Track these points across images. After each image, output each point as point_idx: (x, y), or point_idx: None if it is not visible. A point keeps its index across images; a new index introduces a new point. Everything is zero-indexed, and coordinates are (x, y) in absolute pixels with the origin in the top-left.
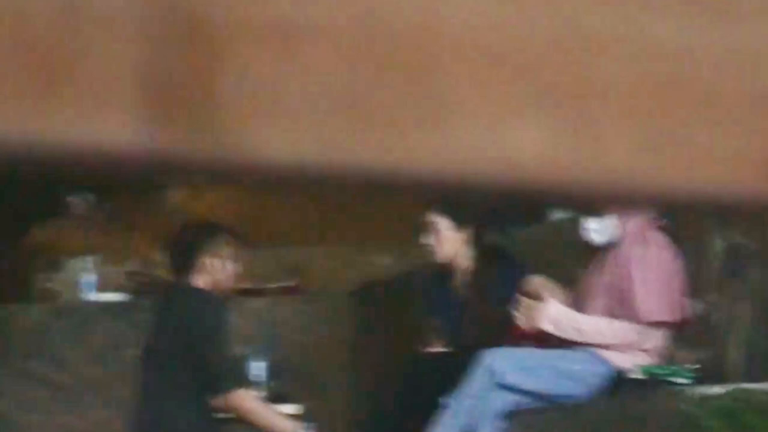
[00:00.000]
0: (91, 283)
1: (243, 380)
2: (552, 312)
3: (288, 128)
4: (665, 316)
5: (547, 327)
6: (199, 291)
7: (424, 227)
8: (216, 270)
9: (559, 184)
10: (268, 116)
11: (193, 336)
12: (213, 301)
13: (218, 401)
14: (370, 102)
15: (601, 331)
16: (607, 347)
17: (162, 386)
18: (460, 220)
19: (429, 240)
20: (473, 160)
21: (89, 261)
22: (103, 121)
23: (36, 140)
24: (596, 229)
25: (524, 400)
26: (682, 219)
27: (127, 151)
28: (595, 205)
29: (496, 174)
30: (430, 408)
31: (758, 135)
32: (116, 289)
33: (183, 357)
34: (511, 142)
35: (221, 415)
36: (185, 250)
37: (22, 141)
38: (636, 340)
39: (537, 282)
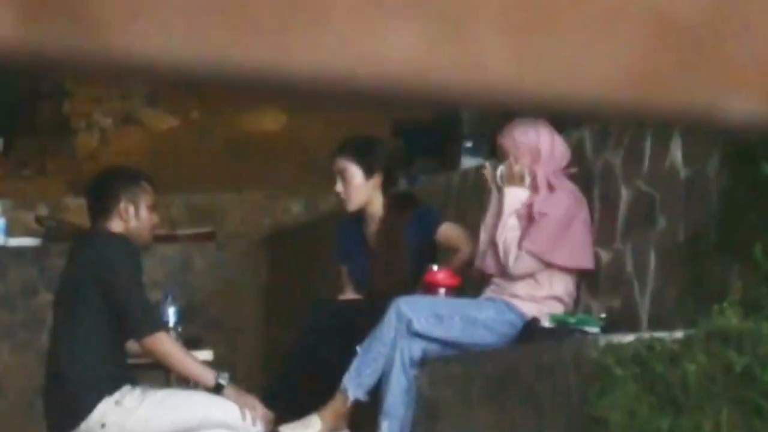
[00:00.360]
0: (1, 227)
1: (162, 324)
2: (515, 196)
3: (164, 25)
4: (554, 256)
5: (508, 202)
6: (113, 235)
7: (334, 174)
8: (131, 216)
9: (433, 88)
10: (143, 12)
11: (108, 280)
12: (127, 246)
13: (135, 345)
14: (247, 0)
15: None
16: (517, 294)
17: (74, 331)
18: (369, 167)
19: (339, 187)
20: (348, 60)
21: None
22: None
23: None
24: (502, 176)
25: (435, 348)
26: (589, 168)
27: (1, 46)
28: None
29: (370, 75)
30: (342, 355)
31: (629, 43)
32: (27, 234)
33: (97, 301)
34: (387, 44)
35: (134, 361)
36: (102, 194)
37: None
38: (520, 274)
39: (448, 229)
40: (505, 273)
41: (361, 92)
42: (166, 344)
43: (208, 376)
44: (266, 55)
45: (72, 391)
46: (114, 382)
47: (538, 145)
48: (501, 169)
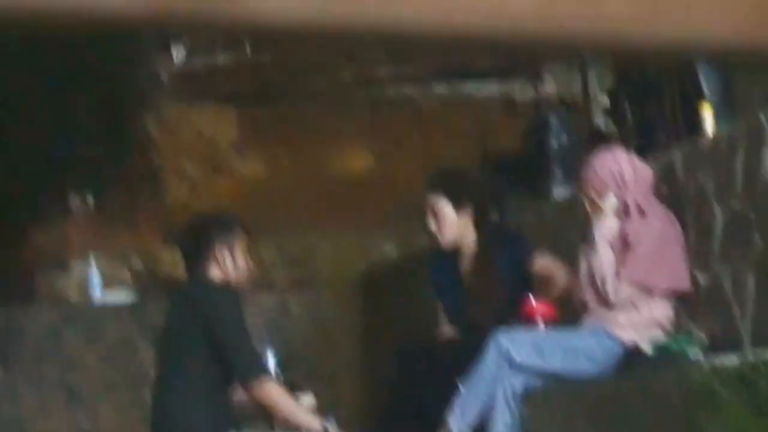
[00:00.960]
0: (96, 282)
1: (267, 370)
2: (609, 225)
3: None
4: (653, 280)
5: (598, 235)
6: (213, 283)
7: (425, 211)
8: (228, 262)
9: (555, 36)
10: None
11: (213, 328)
12: (228, 293)
13: (240, 393)
14: None
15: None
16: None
17: (180, 383)
18: (459, 200)
19: (432, 225)
20: (472, 13)
21: (93, 260)
22: None
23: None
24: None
25: (537, 380)
26: (682, 191)
27: (126, 11)
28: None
29: (494, 27)
30: (443, 393)
31: None
32: (122, 286)
33: (202, 351)
34: None
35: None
36: (197, 241)
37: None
38: (622, 303)
39: (543, 260)
40: (604, 302)
41: (485, 42)
42: (273, 390)
43: (315, 423)
44: (394, 10)
45: None
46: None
47: (621, 171)
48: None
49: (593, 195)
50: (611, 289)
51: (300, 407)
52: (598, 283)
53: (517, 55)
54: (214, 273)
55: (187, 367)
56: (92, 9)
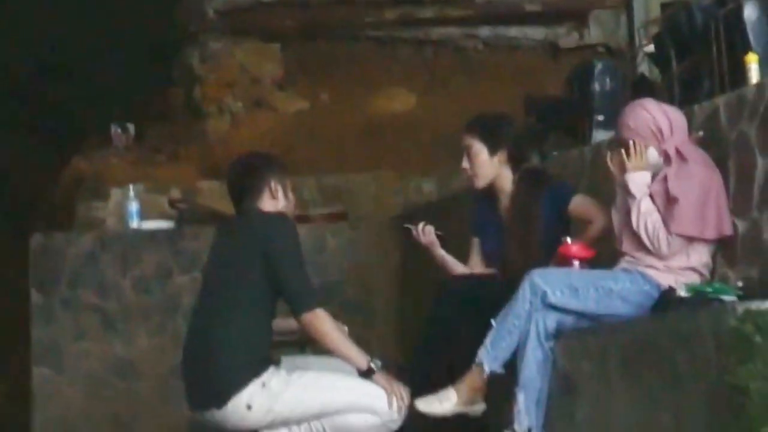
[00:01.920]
0: (135, 212)
1: (321, 301)
2: (641, 180)
3: None
4: (702, 231)
5: (635, 189)
6: (272, 214)
7: (461, 150)
8: (280, 196)
9: None
10: None
11: (272, 256)
12: (287, 223)
13: (281, 323)
14: None
15: (650, 222)
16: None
17: (230, 311)
18: (494, 143)
19: (465, 164)
20: None
21: (132, 190)
22: None
23: None
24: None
25: (570, 320)
26: (725, 139)
27: None
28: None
29: None
30: (476, 330)
31: None
32: (160, 218)
33: (257, 281)
34: None
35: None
36: (252, 176)
37: None
38: (673, 254)
39: (581, 202)
40: (641, 246)
41: None
42: (326, 322)
43: (362, 360)
44: None
45: (222, 371)
46: (262, 363)
47: (656, 122)
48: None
49: (628, 148)
50: (665, 246)
51: (349, 342)
52: (646, 240)
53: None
54: (269, 205)
55: (241, 298)
56: None
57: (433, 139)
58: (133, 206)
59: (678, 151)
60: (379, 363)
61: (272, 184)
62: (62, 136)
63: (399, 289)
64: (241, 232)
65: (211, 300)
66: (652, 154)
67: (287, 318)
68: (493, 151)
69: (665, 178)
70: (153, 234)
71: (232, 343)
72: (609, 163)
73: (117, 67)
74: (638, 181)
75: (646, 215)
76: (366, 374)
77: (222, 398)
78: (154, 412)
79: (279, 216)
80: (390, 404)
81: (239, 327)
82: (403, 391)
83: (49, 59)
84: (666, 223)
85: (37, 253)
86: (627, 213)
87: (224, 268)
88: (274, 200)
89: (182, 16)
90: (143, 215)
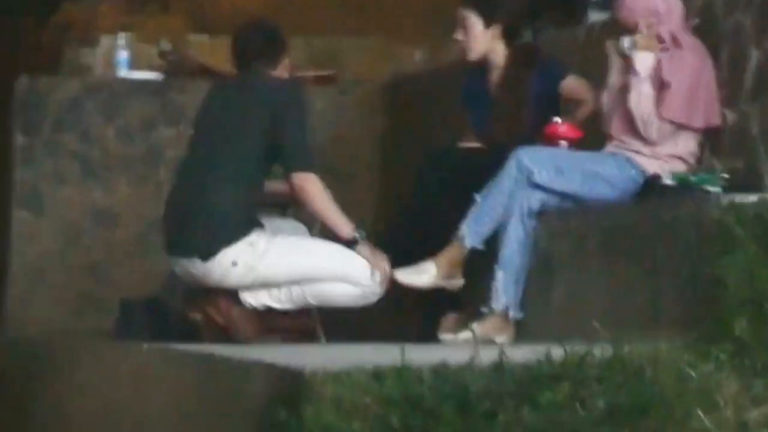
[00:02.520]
0: (124, 60)
1: (316, 168)
2: (646, 61)
3: None
4: (690, 119)
5: (641, 69)
6: (288, 80)
7: (455, 22)
8: (286, 67)
9: None
10: None
11: (280, 117)
12: (302, 92)
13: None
14: None
15: (647, 105)
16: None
17: (227, 165)
18: (489, 16)
19: (460, 35)
20: None
21: (123, 38)
22: None
23: None
24: (630, 48)
25: (554, 200)
26: (719, 27)
27: None
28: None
29: None
30: (460, 204)
31: None
32: (149, 67)
33: (260, 139)
34: None
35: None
36: (276, 44)
37: None
38: (661, 140)
39: (573, 82)
40: (630, 131)
41: None
42: (316, 185)
43: (347, 228)
44: None
45: (214, 225)
46: (251, 223)
47: (654, 4)
48: (629, 39)
49: (642, 29)
50: (654, 131)
51: (337, 210)
52: (638, 122)
53: None
54: (280, 74)
55: (241, 153)
56: None
57: (426, 6)
58: (123, 55)
59: (673, 36)
60: (363, 233)
61: (287, 59)
62: None
63: (384, 157)
64: (251, 92)
65: (206, 153)
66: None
67: (276, 181)
68: (488, 24)
69: (659, 63)
70: (140, 84)
71: (227, 198)
72: (607, 44)
73: None
74: (644, 61)
75: (645, 97)
76: (349, 244)
77: (210, 251)
78: (130, 262)
79: (295, 83)
80: (371, 275)
81: (235, 183)
82: (385, 264)
83: None
84: (655, 107)
85: (22, 96)
86: (618, 96)
87: (224, 124)
88: (285, 70)
89: None
90: (132, 65)
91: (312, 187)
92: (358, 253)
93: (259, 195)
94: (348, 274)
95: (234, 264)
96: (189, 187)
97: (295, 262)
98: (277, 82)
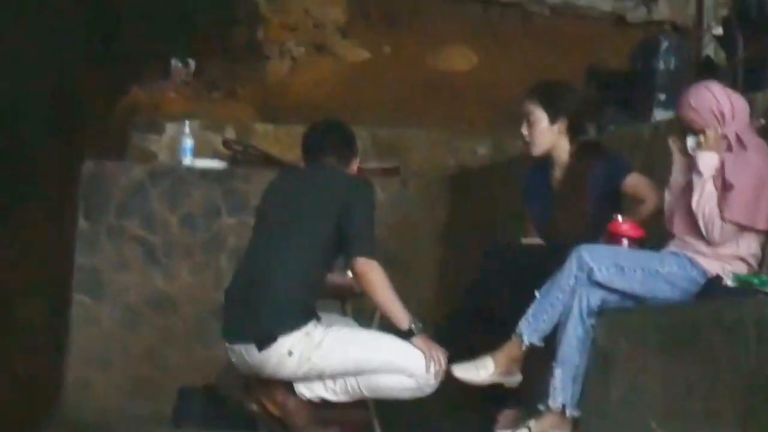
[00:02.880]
0: (188, 148)
1: (378, 256)
2: (710, 161)
3: None
4: (754, 221)
5: (704, 168)
6: (359, 176)
7: (520, 117)
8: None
9: None
10: None
11: (349, 211)
12: (373, 191)
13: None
14: None
15: (710, 206)
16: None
17: (291, 255)
18: (555, 112)
19: (524, 130)
20: None
21: (188, 126)
22: None
23: None
24: (694, 147)
25: (614, 298)
26: None
27: None
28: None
29: None
30: (519, 300)
31: None
32: (213, 156)
33: (326, 230)
34: None
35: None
36: (346, 143)
37: None
38: (723, 241)
39: (635, 180)
40: (692, 231)
41: None
42: (378, 272)
43: (404, 318)
44: None
45: (274, 313)
46: (309, 313)
47: (719, 106)
48: (693, 138)
49: (706, 131)
50: (717, 232)
51: (396, 299)
52: (701, 223)
53: None
54: (351, 170)
55: (302, 244)
56: None
57: (491, 101)
58: (188, 142)
59: (738, 137)
60: (420, 325)
61: (356, 161)
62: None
63: (444, 249)
64: (322, 185)
65: (271, 242)
66: (712, 138)
67: (337, 274)
68: (553, 119)
69: (723, 163)
70: (204, 172)
71: (287, 287)
72: (670, 142)
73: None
74: (708, 161)
75: (708, 198)
76: (406, 335)
77: (267, 338)
78: (188, 349)
79: (366, 181)
80: (427, 368)
81: (299, 273)
82: (441, 356)
83: None
84: (719, 209)
85: (88, 181)
86: (681, 194)
87: (291, 214)
88: (353, 167)
89: None
90: (196, 152)
91: (373, 274)
92: (414, 344)
93: (320, 286)
94: (403, 365)
95: (290, 353)
96: (250, 275)
97: (350, 353)
98: (350, 178)
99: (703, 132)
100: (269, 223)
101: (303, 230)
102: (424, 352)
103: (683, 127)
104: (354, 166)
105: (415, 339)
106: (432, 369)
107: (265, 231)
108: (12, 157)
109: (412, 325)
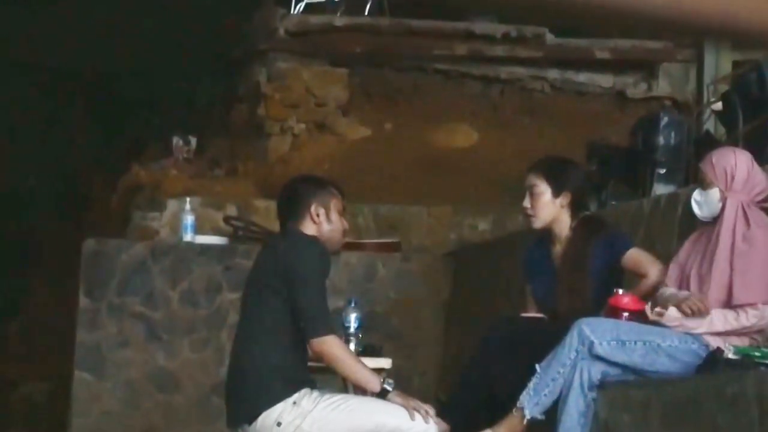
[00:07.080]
0: (189, 225)
1: (335, 328)
2: (674, 320)
3: None
4: (761, 299)
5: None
6: (305, 235)
7: (523, 190)
8: (322, 219)
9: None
10: None
11: (293, 276)
12: (316, 246)
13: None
14: None
15: (729, 321)
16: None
17: (259, 330)
18: (558, 186)
19: (527, 203)
20: None
21: (189, 203)
22: None
23: None
24: (699, 201)
25: (615, 372)
26: None
27: None
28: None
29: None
30: (520, 374)
31: None
32: (214, 233)
33: (282, 300)
34: None
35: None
36: (293, 198)
37: None
38: (743, 325)
39: (636, 255)
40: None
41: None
42: (334, 347)
43: (374, 381)
44: None
45: (253, 390)
46: (294, 384)
47: (734, 169)
48: (699, 193)
49: (704, 182)
50: (742, 321)
51: (361, 366)
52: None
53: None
54: (309, 229)
55: (268, 317)
56: None
57: (491, 177)
58: (189, 219)
59: (743, 209)
60: (392, 382)
61: (313, 207)
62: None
63: (445, 324)
64: (271, 252)
65: (245, 321)
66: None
67: None
68: (556, 193)
69: (731, 249)
70: (205, 248)
71: (262, 364)
72: (647, 310)
73: (182, 77)
74: (672, 321)
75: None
76: (382, 395)
77: (253, 414)
78: (190, 426)
79: (308, 239)
80: (412, 417)
81: (268, 348)
82: (419, 402)
83: (117, 64)
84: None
85: (89, 258)
86: (683, 269)
87: (254, 289)
88: (315, 224)
89: (253, 32)
90: (197, 229)
91: (332, 350)
92: (391, 400)
93: (302, 355)
94: (393, 424)
95: (278, 424)
96: (234, 355)
97: (340, 419)
98: (289, 241)
99: (711, 186)
100: (244, 302)
101: (261, 305)
102: (403, 406)
103: (699, 179)
104: (310, 223)
105: (391, 396)
106: (417, 417)
107: (242, 310)
108: (22, 242)
109: (385, 385)
